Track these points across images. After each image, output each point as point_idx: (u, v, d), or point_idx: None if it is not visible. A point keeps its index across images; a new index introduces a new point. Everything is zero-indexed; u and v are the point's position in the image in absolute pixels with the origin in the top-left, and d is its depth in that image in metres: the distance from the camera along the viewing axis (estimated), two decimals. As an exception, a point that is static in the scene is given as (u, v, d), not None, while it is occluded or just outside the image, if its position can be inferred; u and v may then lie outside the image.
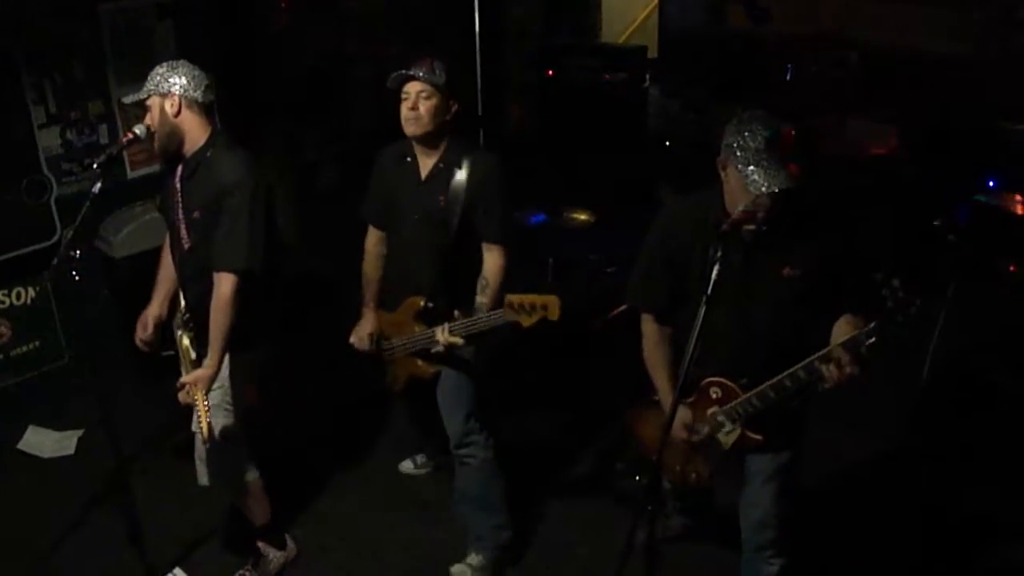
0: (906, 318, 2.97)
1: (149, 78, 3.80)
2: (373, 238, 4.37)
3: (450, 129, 4.00)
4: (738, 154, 3.06)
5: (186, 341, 3.97)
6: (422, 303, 4.09)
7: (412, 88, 3.88)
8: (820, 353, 3.17)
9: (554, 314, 3.70)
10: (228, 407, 4.07)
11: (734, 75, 7.83)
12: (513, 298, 3.73)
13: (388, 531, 4.77)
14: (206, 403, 3.74)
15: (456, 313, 3.99)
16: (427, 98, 3.87)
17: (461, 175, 3.97)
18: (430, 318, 4.08)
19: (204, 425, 3.70)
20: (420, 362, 4.21)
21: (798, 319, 3.32)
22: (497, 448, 4.34)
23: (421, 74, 3.86)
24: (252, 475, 4.29)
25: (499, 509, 4.42)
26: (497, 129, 8.45)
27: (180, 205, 3.91)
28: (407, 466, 5.17)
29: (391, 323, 4.29)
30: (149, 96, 3.79)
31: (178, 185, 3.91)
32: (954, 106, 6.76)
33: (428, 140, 3.97)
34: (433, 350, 4.04)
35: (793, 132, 3.08)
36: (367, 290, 4.39)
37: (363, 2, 7.62)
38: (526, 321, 3.73)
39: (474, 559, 4.43)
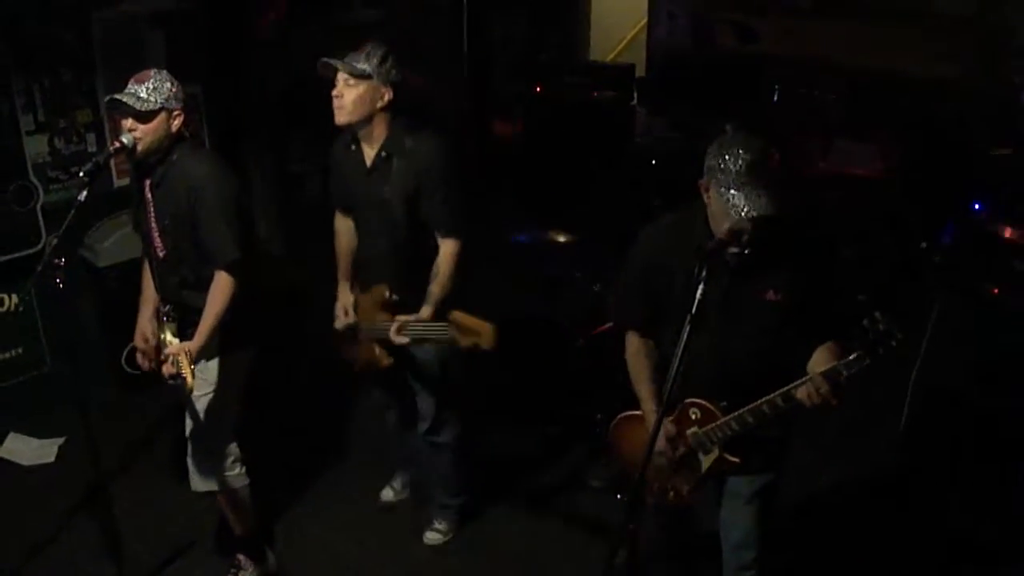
0: (888, 351, 2.97)
1: (154, 89, 3.72)
2: (339, 218, 4.40)
3: (386, 116, 3.95)
4: (720, 177, 3.02)
5: (168, 336, 3.96)
6: (387, 294, 4.08)
7: (339, 76, 3.86)
8: (799, 382, 3.16)
9: (487, 342, 3.69)
10: (219, 409, 4.07)
11: (721, 95, 7.86)
12: (456, 316, 3.75)
13: (367, 547, 4.76)
14: (191, 365, 3.72)
15: (400, 319, 3.99)
16: (351, 86, 3.84)
17: (401, 163, 3.95)
18: (393, 310, 4.08)
19: (188, 376, 3.68)
20: (378, 350, 4.19)
21: (780, 344, 3.31)
22: (473, 450, 4.50)
23: (343, 62, 3.84)
24: (242, 480, 4.29)
25: (464, 483, 4.69)
26: (483, 143, 8.48)
27: (152, 215, 3.91)
28: (387, 494, 5.06)
29: (361, 305, 4.29)
30: (161, 109, 3.75)
31: (149, 194, 3.90)
32: (940, 129, 6.80)
33: (360, 128, 3.94)
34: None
35: (776, 155, 3.06)
36: (340, 268, 4.43)
37: (352, 15, 7.64)
38: (462, 342, 3.74)
39: (441, 525, 4.72)
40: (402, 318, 4.00)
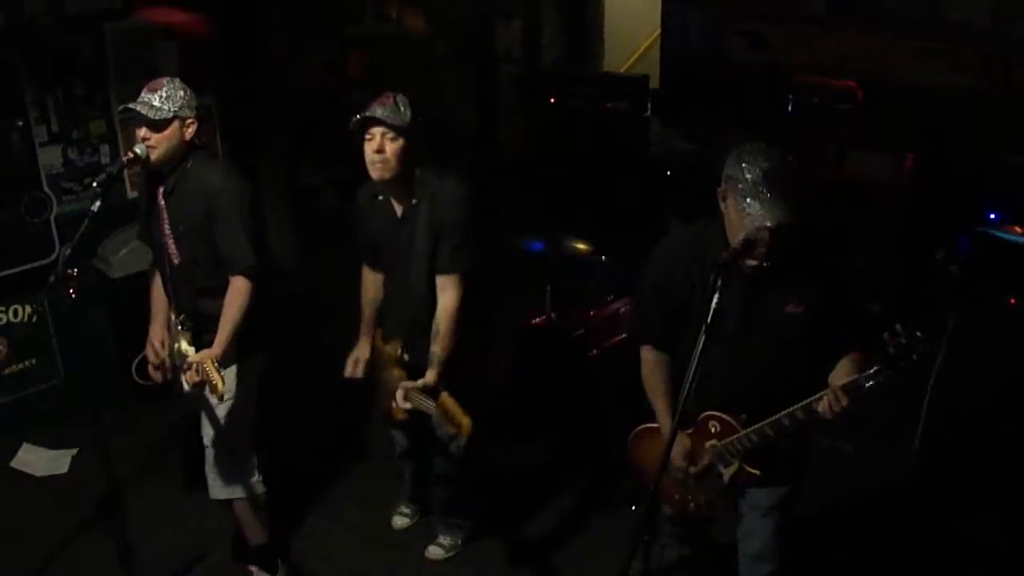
0: (909, 364, 2.97)
1: (167, 98, 3.73)
2: (366, 272, 4.35)
3: (417, 166, 3.89)
4: (738, 186, 3.03)
5: (184, 344, 3.96)
6: (399, 351, 4.12)
7: (376, 130, 3.75)
8: (819, 395, 3.16)
9: (465, 435, 3.75)
10: (237, 416, 4.08)
11: (735, 105, 7.85)
12: (445, 400, 3.78)
13: (382, 560, 4.74)
14: (219, 371, 3.66)
15: (408, 384, 3.95)
16: (392, 139, 3.75)
17: (427, 209, 3.88)
18: (404, 368, 4.11)
19: (218, 381, 3.62)
20: (395, 405, 4.11)
21: (800, 356, 3.31)
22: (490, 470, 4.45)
23: (385, 116, 3.73)
24: (260, 488, 4.29)
25: (473, 509, 4.69)
26: (489, 152, 8.49)
27: (166, 221, 3.91)
28: (400, 522, 4.97)
29: (383, 355, 4.28)
30: (174, 117, 3.76)
31: (162, 202, 3.91)
32: (955, 138, 6.77)
33: (396, 183, 3.86)
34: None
35: (794, 165, 3.05)
36: (362, 320, 4.39)
37: (364, 27, 7.66)
38: (445, 427, 3.83)
39: (446, 540, 4.70)
40: (408, 385, 3.94)
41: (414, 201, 3.91)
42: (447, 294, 3.93)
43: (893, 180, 6.95)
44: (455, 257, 3.91)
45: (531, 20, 9.23)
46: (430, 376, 3.92)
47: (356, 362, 4.34)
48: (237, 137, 6.50)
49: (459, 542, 4.72)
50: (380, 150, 3.75)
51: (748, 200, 2.99)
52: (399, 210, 3.97)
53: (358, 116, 3.78)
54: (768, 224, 2.97)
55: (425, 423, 4.13)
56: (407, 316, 4.08)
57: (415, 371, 4.01)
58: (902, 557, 4.65)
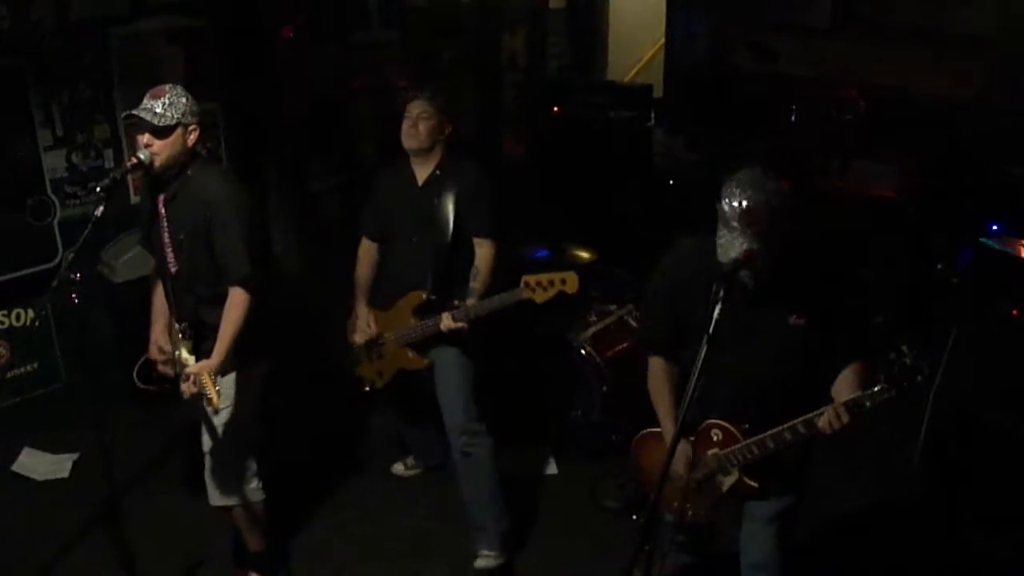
0: (913, 385, 2.98)
1: (170, 105, 3.74)
2: (365, 246, 4.76)
3: (444, 145, 4.47)
4: (720, 213, 3.09)
5: (185, 353, 3.96)
6: (424, 296, 4.47)
7: (414, 108, 4.39)
8: (820, 410, 3.19)
9: (572, 287, 4.14)
10: (236, 424, 4.08)
11: (738, 115, 7.85)
12: (530, 278, 4.18)
13: (383, 567, 4.74)
14: (215, 384, 3.71)
15: (457, 302, 4.39)
16: (427, 119, 4.37)
17: (454, 182, 4.44)
18: (431, 310, 4.46)
19: (214, 395, 3.69)
20: (411, 354, 4.58)
21: (802, 367, 3.32)
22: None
23: (423, 96, 4.38)
24: (259, 496, 4.29)
25: (500, 497, 4.69)
26: (493, 160, 8.49)
27: (166, 230, 3.92)
28: (398, 468, 5.41)
29: (384, 320, 4.64)
30: (177, 124, 3.78)
31: (163, 210, 3.91)
32: (958, 149, 6.77)
33: (423, 153, 4.45)
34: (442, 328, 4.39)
35: (775, 201, 3.04)
36: (359, 291, 4.76)
37: (370, 34, 7.66)
38: (541, 297, 4.17)
39: (488, 551, 4.66)
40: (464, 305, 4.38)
41: (438, 172, 4.47)
42: (484, 247, 4.50)
43: (896, 191, 6.95)
44: (487, 221, 4.49)
45: (536, 29, 9.25)
46: (470, 303, 4.39)
47: (369, 324, 4.69)
48: (243, 144, 6.51)
49: (498, 544, 4.66)
50: (414, 125, 4.39)
51: (722, 231, 3.08)
52: (421, 178, 4.50)
53: (403, 94, 4.46)
54: (725, 258, 3.05)
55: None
56: (427, 268, 4.45)
57: (439, 311, 4.42)
58: (903, 567, 4.65)
